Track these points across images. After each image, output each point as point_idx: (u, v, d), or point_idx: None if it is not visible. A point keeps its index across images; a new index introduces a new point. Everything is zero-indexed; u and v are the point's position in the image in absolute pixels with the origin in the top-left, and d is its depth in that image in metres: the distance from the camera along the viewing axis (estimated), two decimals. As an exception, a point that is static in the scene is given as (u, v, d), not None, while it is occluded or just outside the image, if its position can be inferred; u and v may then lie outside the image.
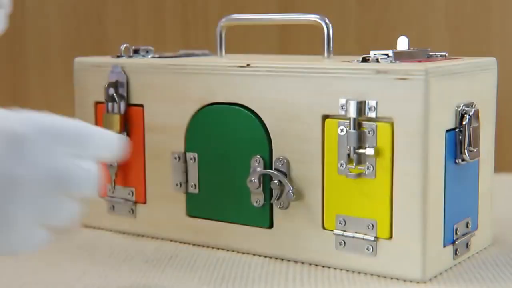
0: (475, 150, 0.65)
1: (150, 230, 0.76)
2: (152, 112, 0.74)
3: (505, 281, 0.63)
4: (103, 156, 0.56)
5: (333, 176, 0.64)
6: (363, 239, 0.63)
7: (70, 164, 0.53)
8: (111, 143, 0.56)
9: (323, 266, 0.66)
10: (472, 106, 0.65)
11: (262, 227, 0.69)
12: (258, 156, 0.68)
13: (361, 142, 0.62)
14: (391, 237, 0.63)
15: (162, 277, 0.65)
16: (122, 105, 0.75)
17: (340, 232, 0.65)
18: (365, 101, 0.62)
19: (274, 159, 0.67)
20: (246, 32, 1.10)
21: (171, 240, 0.75)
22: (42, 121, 0.54)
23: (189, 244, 0.74)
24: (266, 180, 0.68)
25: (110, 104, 0.75)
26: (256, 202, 0.69)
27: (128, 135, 0.76)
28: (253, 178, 0.68)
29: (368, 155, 0.62)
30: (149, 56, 0.78)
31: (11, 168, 0.51)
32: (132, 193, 0.77)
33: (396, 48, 0.67)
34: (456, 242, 0.66)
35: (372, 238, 0.63)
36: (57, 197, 0.53)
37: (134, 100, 0.75)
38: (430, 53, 0.69)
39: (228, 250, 0.71)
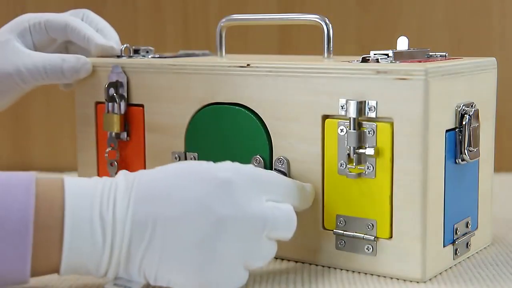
0: (475, 150, 0.65)
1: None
2: (152, 112, 0.74)
3: (505, 281, 0.63)
4: (296, 206, 0.61)
5: (333, 176, 0.64)
6: (363, 239, 0.63)
7: (271, 206, 0.58)
8: (296, 192, 0.62)
9: (323, 266, 0.66)
10: (472, 106, 0.65)
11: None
12: (258, 156, 0.68)
13: (361, 142, 0.62)
14: (391, 237, 0.63)
15: (162, 277, 0.64)
16: (122, 105, 0.75)
17: (340, 232, 0.65)
18: (365, 101, 0.62)
19: (274, 159, 0.67)
20: (246, 32, 1.10)
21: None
22: (241, 169, 0.58)
23: (189, 244, 0.74)
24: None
25: (110, 104, 0.75)
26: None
27: (128, 135, 0.76)
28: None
29: (368, 155, 0.62)
30: (149, 56, 0.78)
31: (219, 208, 0.55)
32: (132, 193, 0.76)
33: (396, 48, 0.67)
34: (456, 242, 0.66)
35: (372, 238, 0.63)
36: (260, 238, 0.57)
37: (134, 100, 0.75)
38: (430, 53, 0.69)
39: (228, 250, 0.71)
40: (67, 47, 0.81)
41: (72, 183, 0.57)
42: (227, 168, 0.58)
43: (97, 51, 0.77)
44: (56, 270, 0.57)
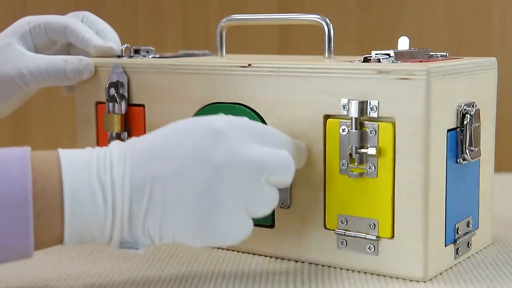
0: (476, 149, 0.65)
1: (151, 230, 0.76)
2: (153, 112, 0.74)
3: (505, 281, 0.63)
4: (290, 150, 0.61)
5: (335, 175, 0.65)
6: (365, 238, 0.63)
7: (268, 151, 0.58)
8: (291, 146, 0.62)
9: (323, 266, 0.66)
10: (473, 106, 0.65)
11: (264, 226, 0.69)
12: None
13: (363, 141, 0.62)
14: (392, 236, 0.63)
15: (162, 277, 0.65)
16: (123, 105, 0.75)
17: (342, 232, 0.65)
18: (366, 101, 0.62)
19: (275, 159, 0.67)
20: (246, 32, 1.10)
21: (171, 240, 0.75)
22: (235, 119, 0.59)
23: (190, 244, 0.74)
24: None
25: (111, 104, 0.75)
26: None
27: (129, 135, 0.76)
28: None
29: (370, 155, 0.62)
30: (150, 56, 0.78)
31: (215, 156, 0.56)
32: (133, 193, 0.76)
33: (396, 48, 0.67)
34: (457, 241, 0.66)
35: (374, 238, 0.63)
36: (258, 183, 0.57)
37: (135, 100, 0.75)
38: (431, 53, 0.69)
39: (228, 250, 0.71)
40: (68, 49, 0.81)
41: (67, 152, 0.57)
42: (221, 119, 0.59)
43: (96, 52, 0.77)
44: (60, 240, 0.56)
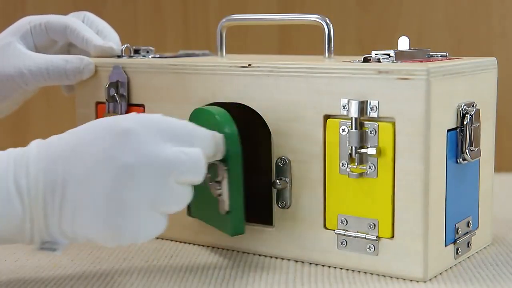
0: (476, 149, 0.65)
1: (151, 230, 0.76)
2: (153, 112, 0.74)
3: (505, 281, 0.63)
4: (205, 152, 0.60)
5: (334, 175, 0.65)
6: (365, 238, 0.63)
7: (177, 151, 0.58)
8: (207, 140, 0.61)
9: (323, 266, 0.66)
10: (473, 106, 0.65)
11: (264, 226, 0.69)
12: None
13: (362, 142, 0.62)
14: (392, 236, 0.63)
15: (162, 277, 0.65)
16: (123, 105, 0.75)
17: (342, 232, 0.65)
18: (366, 101, 0.62)
19: (275, 159, 0.67)
20: (246, 32, 1.10)
21: (171, 240, 0.75)
22: (147, 118, 0.59)
23: (190, 243, 0.74)
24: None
25: (111, 104, 0.75)
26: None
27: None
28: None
29: (370, 155, 0.62)
30: (150, 56, 0.78)
31: (122, 156, 0.56)
32: (133, 193, 0.76)
33: (396, 48, 0.67)
34: (457, 241, 0.66)
35: (374, 238, 0.63)
36: (167, 183, 0.57)
37: (135, 100, 0.75)
38: (431, 53, 0.69)
39: (228, 250, 0.71)
40: (69, 49, 0.81)
41: None
42: (130, 118, 0.59)
43: (96, 52, 0.77)
44: None
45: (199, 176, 0.59)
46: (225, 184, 0.63)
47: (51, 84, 0.76)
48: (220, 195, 0.64)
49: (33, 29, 0.77)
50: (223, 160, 0.63)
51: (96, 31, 0.79)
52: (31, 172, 0.57)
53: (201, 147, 0.60)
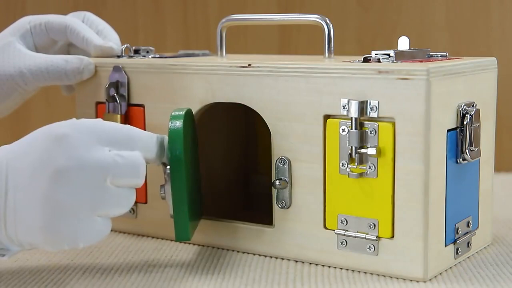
0: (476, 149, 0.65)
1: (151, 230, 0.76)
2: (152, 112, 0.74)
3: (505, 281, 0.63)
4: (146, 155, 0.61)
5: (334, 175, 0.65)
6: (365, 238, 0.63)
7: (112, 154, 0.58)
8: (150, 143, 0.61)
9: (323, 266, 0.66)
10: (473, 106, 0.65)
11: (264, 226, 0.69)
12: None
13: (362, 142, 0.62)
14: (392, 236, 0.63)
15: (162, 277, 0.65)
16: (123, 105, 0.75)
17: (342, 232, 0.65)
18: (366, 101, 0.62)
19: (275, 159, 0.67)
20: (246, 32, 1.10)
21: (171, 240, 0.75)
22: (84, 123, 0.59)
23: (190, 244, 0.74)
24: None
25: (111, 104, 0.75)
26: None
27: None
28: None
29: (370, 155, 0.62)
30: (150, 56, 0.78)
31: (55, 161, 0.57)
32: (133, 193, 0.76)
33: (396, 48, 0.67)
34: (457, 241, 0.66)
35: (374, 238, 0.63)
36: (103, 186, 0.57)
37: (135, 100, 0.75)
38: (431, 53, 0.69)
39: (228, 250, 0.71)
40: (69, 49, 0.81)
41: None
42: (66, 124, 0.59)
43: (96, 52, 0.77)
44: None
45: (138, 179, 0.59)
46: (168, 188, 0.62)
47: (51, 84, 0.76)
48: (163, 198, 0.63)
49: (33, 29, 0.77)
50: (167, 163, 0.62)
51: (96, 31, 0.79)
52: None
53: (141, 150, 0.60)
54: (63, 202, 0.57)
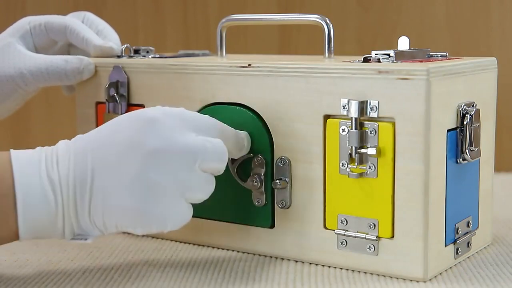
0: (476, 149, 0.65)
1: (151, 230, 0.76)
2: (153, 112, 0.74)
3: (505, 281, 0.63)
4: (229, 150, 0.63)
5: (334, 175, 0.65)
6: (365, 238, 0.63)
7: (202, 139, 0.60)
8: (230, 135, 0.64)
9: (323, 266, 0.66)
10: (473, 106, 0.65)
11: (264, 227, 0.69)
12: (259, 156, 0.68)
13: (362, 142, 0.62)
14: (392, 236, 0.63)
15: (162, 277, 0.65)
16: (123, 105, 0.75)
17: (342, 232, 0.65)
18: (366, 101, 0.62)
19: (275, 159, 0.67)
20: (246, 32, 1.10)
21: (171, 240, 0.75)
22: (171, 110, 0.61)
23: (189, 243, 0.74)
24: (267, 180, 0.68)
25: (111, 104, 0.75)
26: (257, 202, 0.69)
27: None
28: (254, 178, 0.68)
29: (370, 155, 0.62)
30: (150, 56, 0.78)
31: (148, 141, 0.58)
32: (133, 193, 0.76)
33: (396, 48, 0.67)
34: (457, 241, 0.66)
35: (374, 238, 0.63)
36: (194, 169, 0.59)
37: (135, 100, 0.75)
38: (431, 53, 0.69)
39: (228, 250, 0.71)
40: (69, 49, 0.81)
41: (18, 153, 0.59)
42: (154, 109, 0.60)
43: (96, 52, 0.77)
44: (16, 236, 0.59)
45: (222, 163, 0.61)
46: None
47: (51, 84, 0.76)
48: (258, 188, 0.67)
49: (32, 30, 0.77)
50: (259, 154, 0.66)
51: (96, 31, 0.79)
52: (61, 166, 0.58)
53: (223, 140, 0.61)
54: (155, 182, 0.57)
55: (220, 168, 0.61)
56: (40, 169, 0.58)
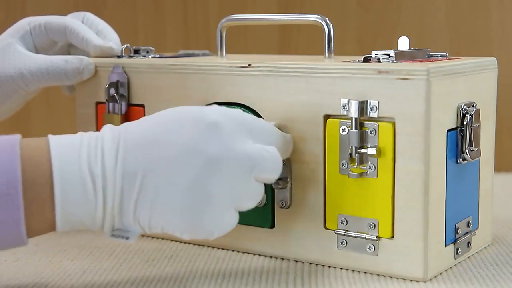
0: (476, 149, 0.65)
1: (151, 230, 0.76)
2: (153, 112, 0.73)
3: (505, 281, 0.63)
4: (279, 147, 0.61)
5: (334, 175, 0.65)
6: (365, 238, 0.63)
7: (259, 148, 0.58)
8: (281, 141, 0.63)
9: (323, 266, 0.66)
10: (473, 106, 0.65)
11: (264, 227, 0.69)
12: (259, 156, 0.68)
13: (363, 142, 0.62)
14: (392, 236, 0.63)
15: (162, 277, 0.65)
16: (123, 105, 0.75)
17: (342, 232, 0.65)
18: (366, 101, 0.62)
19: (275, 158, 0.67)
20: (246, 32, 1.10)
21: (171, 240, 0.75)
22: (230, 112, 0.59)
23: (190, 244, 0.74)
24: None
25: (111, 104, 0.75)
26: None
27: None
28: (254, 178, 0.68)
29: (370, 155, 0.62)
30: (150, 56, 0.78)
31: (208, 149, 0.56)
32: (133, 193, 0.76)
33: (396, 48, 0.67)
34: (458, 241, 0.66)
35: (374, 238, 0.63)
36: (248, 179, 0.57)
37: (135, 100, 0.75)
38: (431, 53, 0.69)
39: (228, 250, 0.71)
40: (69, 49, 0.81)
41: (57, 139, 0.57)
42: (215, 111, 0.58)
43: (96, 52, 0.77)
44: (52, 227, 0.57)
45: (276, 174, 0.60)
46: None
47: (51, 84, 0.76)
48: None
49: (32, 30, 0.77)
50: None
51: (96, 31, 0.79)
52: (107, 159, 0.56)
53: (275, 146, 0.60)
54: (211, 191, 0.56)
55: (273, 177, 0.60)
56: (81, 159, 0.55)
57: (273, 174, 0.59)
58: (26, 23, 0.77)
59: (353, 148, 0.63)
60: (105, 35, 0.79)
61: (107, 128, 0.58)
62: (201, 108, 0.59)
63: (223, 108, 0.60)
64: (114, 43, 0.78)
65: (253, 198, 0.59)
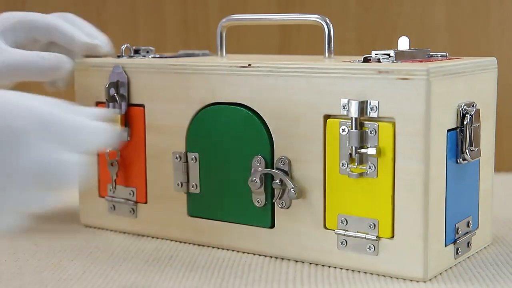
0: (476, 149, 0.65)
1: (151, 230, 0.76)
2: (153, 112, 0.74)
3: (505, 281, 0.63)
4: (92, 147, 0.55)
5: (334, 175, 0.65)
6: (365, 238, 0.63)
7: (53, 158, 0.53)
8: (100, 135, 0.56)
9: (323, 266, 0.66)
10: (473, 106, 0.65)
11: (264, 227, 0.69)
12: (259, 156, 0.68)
13: (363, 142, 0.62)
14: (392, 236, 0.63)
15: (162, 277, 0.65)
16: (123, 105, 0.75)
17: (342, 232, 0.65)
18: (366, 101, 0.62)
19: (275, 158, 0.67)
20: (246, 32, 1.10)
21: (171, 240, 0.75)
22: (40, 114, 0.54)
23: (190, 244, 0.74)
24: (267, 180, 0.68)
25: (111, 104, 0.75)
26: (258, 202, 0.69)
27: (128, 135, 0.76)
28: (254, 178, 0.68)
29: (370, 155, 0.62)
30: (150, 56, 0.78)
31: (8, 160, 0.52)
32: (133, 193, 0.77)
33: (396, 48, 0.67)
34: (458, 241, 0.66)
35: (374, 238, 0.63)
36: (37, 190, 0.53)
37: (135, 100, 0.75)
38: (431, 53, 0.69)
39: (228, 250, 0.71)
40: (48, 48, 0.79)
41: None
42: (21, 113, 0.53)
43: (82, 50, 0.76)
44: None
45: (68, 183, 0.54)
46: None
47: (27, 80, 0.74)
48: (258, 188, 0.67)
49: (14, 26, 0.76)
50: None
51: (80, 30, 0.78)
52: None
53: (84, 143, 0.55)
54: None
55: (68, 186, 0.54)
56: None
57: (65, 184, 0.54)
58: (9, 18, 0.76)
59: (353, 148, 0.63)
60: (91, 34, 0.78)
61: None
62: (13, 110, 0.54)
63: (37, 110, 0.54)
64: (100, 41, 0.77)
65: (38, 205, 0.53)
